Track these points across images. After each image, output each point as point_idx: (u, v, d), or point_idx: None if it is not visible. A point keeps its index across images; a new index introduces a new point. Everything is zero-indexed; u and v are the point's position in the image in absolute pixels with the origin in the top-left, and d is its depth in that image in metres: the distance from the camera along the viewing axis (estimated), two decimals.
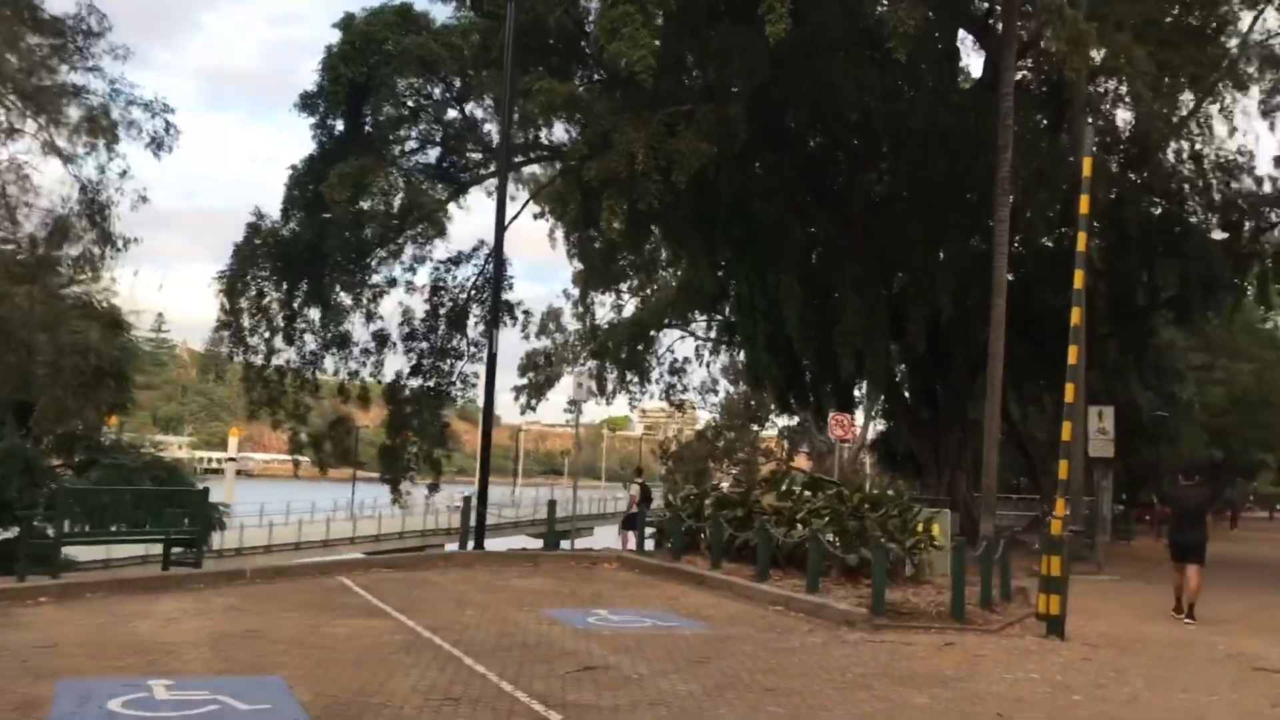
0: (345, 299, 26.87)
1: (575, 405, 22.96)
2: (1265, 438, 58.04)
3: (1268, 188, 30.44)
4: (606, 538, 33.55)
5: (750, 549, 15.72)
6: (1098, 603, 15.76)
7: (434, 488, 29.85)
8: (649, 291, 41.94)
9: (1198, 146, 30.49)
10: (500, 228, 19.13)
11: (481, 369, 23.14)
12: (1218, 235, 30.93)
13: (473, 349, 26.58)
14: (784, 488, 17.19)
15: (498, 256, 19.90)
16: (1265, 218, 30.90)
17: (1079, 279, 12.71)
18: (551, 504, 21.12)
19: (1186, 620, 14.34)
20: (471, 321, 27.14)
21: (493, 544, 29.26)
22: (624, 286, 41.32)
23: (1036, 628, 12.31)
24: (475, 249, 27.24)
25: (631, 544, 19.73)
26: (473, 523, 18.69)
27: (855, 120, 26.84)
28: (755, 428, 59.55)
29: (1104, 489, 26.71)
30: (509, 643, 10.10)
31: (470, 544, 18.70)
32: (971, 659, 10.44)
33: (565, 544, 20.98)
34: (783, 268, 27.73)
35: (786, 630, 11.65)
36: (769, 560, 14.90)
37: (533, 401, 46.44)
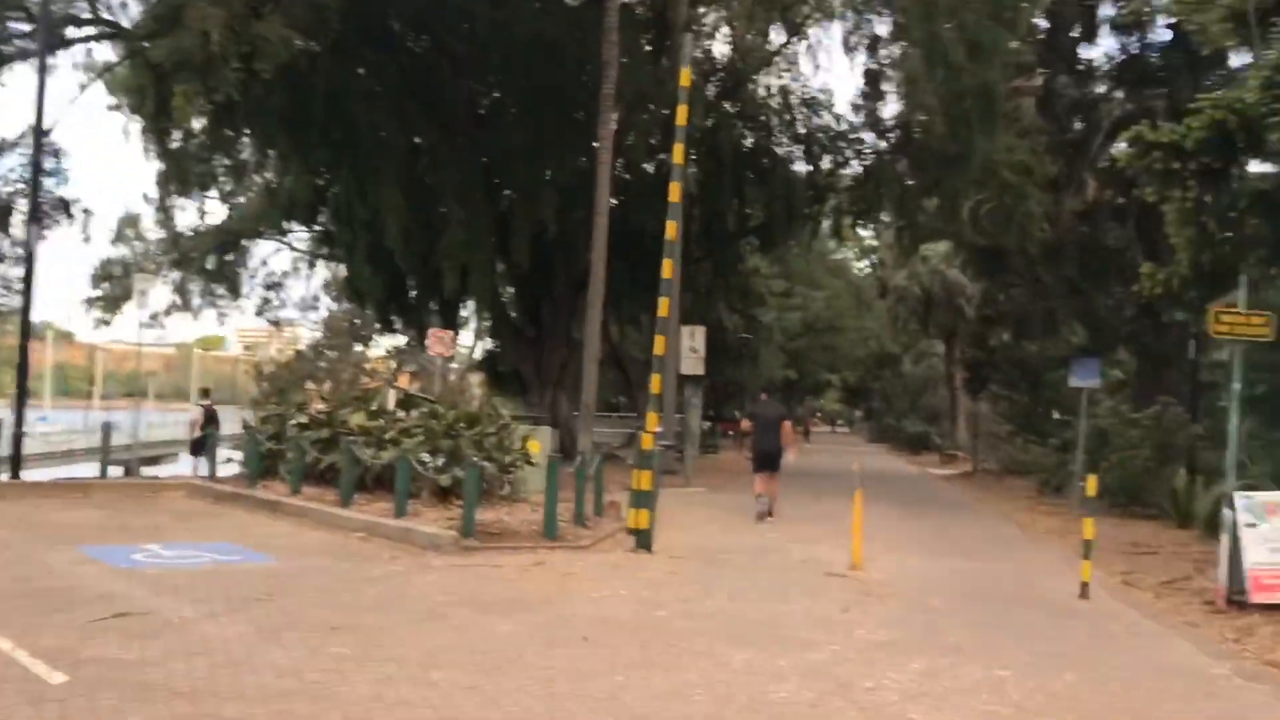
0: None
1: (153, 318, 20.41)
2: (832, 360, 63.84)
3: (845, 125, 32.67)
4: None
5: (337, 472, 14.57)
6: (686, 515, 16.12)
7: None
8: (244, 198, 38.72)
9: (785, 81, 32.13)
10: (40, 108, 16.39)
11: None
12: (800, 168, 32.90)
13: (17, 251, 23.03)
14: (374, 407, 16.11)
15: (37, 141, 17.07)
16: (841, 154, 33.16)
17: (675, 191, 12.55)
18: (106, 426, 18.70)
19: (768, 518, 15.80)
20: (17, 219, 23.47)
21: (57, 473, 26.00)
22: (215, 192, 37.84)
23: (627, 542, 12.21)
24: (22, 136, 23.48)
25: (205, 470, 17.91)
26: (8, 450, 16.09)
27: (462, 26, 25.74)
28: (360, 347, 57.46)
29: (694, 405, 27.78)
30: (26, 589, 8.45)
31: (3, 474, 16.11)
32: (561, 579, 10.05)
33: (151, 471, 18.70)
34: (385, 176, 26.30)
35: (367, 559, 10.73)
36: (354, 484, 13.84)
37: (108, 316, 41.92)
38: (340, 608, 8.23)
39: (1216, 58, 19.85)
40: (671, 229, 12.49)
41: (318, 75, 23.46)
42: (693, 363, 25.28)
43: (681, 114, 12.81)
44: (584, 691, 6.17)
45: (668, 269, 12.51)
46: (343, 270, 36.96)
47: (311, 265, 41.11)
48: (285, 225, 37.29)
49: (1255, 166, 12.41)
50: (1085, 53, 28.87)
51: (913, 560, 12.74)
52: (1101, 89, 28.64)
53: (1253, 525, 10.26)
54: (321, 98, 24.43)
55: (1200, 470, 19.66)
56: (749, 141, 32.18)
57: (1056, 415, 31.05)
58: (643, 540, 11.84)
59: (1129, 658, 7.93)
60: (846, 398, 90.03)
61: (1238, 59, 19.79)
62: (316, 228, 36.20)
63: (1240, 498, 10.49)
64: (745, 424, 18.45)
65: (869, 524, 12.42)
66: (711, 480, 23.84)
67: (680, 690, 6.30)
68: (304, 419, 16.31)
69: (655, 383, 12.51)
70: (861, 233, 51.02)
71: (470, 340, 46.44)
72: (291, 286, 40.75)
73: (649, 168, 30.42)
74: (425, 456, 14.01)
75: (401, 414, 15.84)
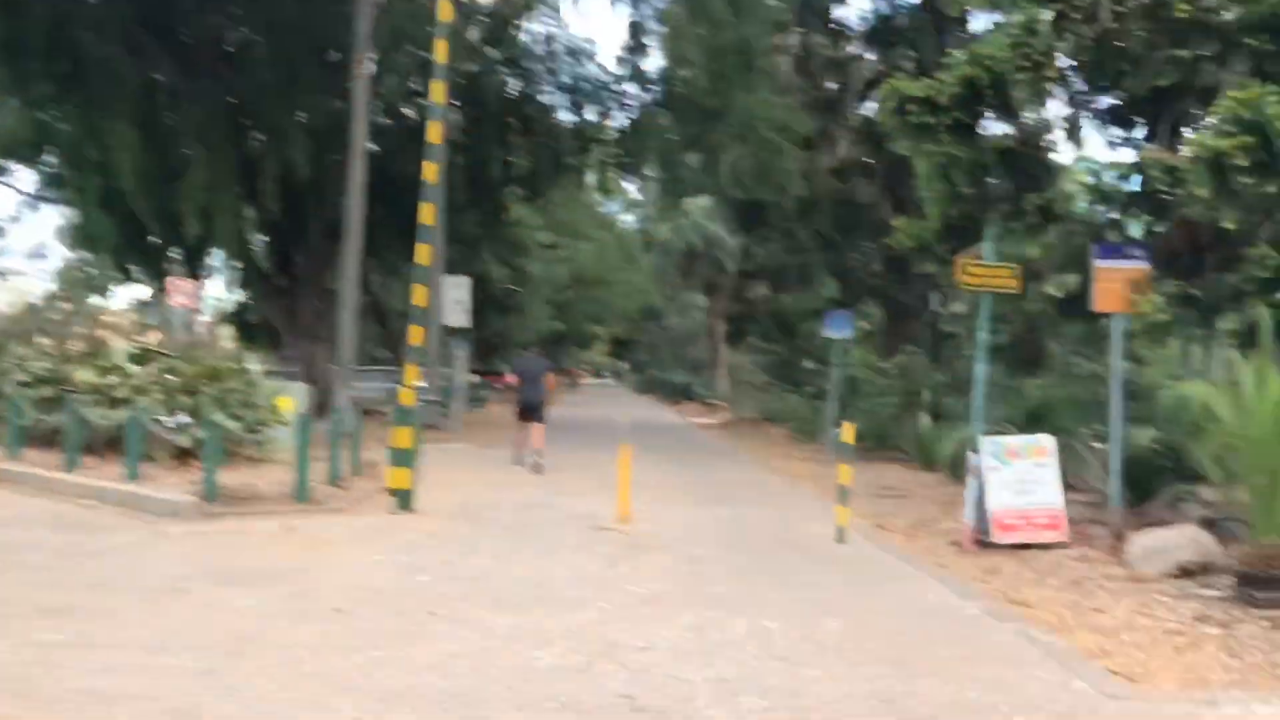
0: None
1: None
2: (599, 312, 64.24)
3: (610, 77, 32.46)
4: None
5: (63, 434, 13.27)
6: (451, 472, 15.62)
7: None
8: None
9: (550, 28, 31.62)
10: None
11: None
12: (566, 117, 32.54)
13: None
14: (105, 362, 14.74)
15: None
16: (606, 105, 32.96)
17: (434, 131, 11.94)
18: None
19: (532, 471, 16.12)
20: None
21: None
22: None
23: (387, 504, 11.63)
24: None
25: None
26: None
27: None
28: (99, 299, 53.38)
29: (459, 358, 27.19)
30: None
31: None
32: (314, 545, 9.43)
33: None
34: (118, 114, 24.16)
35: (94, 529, 9.74)
36: (81, 446, 12.64)
37: None
38: (56, 587, 7.36)
39: (960, 20, 20.72)
40: (431, 171, 11.89)
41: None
42: (457, 314, 24.68)
43: (441, 50, 12.18)
44: (334, 669, 5.69)
45: (427, 214, 11.91)
46: (74, 215, 34.07)
47: (38, 209, 37.81)
48: (6, 165, 34.02)
49: (997, 126, 12.93)
50: (839, 13, 29.76)
51: (679, 510, 12.76)
52: (854, 49, 29.58)
53: (996, 469, 10.74)
54: (43, 25, 22.20)
55: (942, 416, 20.75)
56: (513, 89, 31.52)
57: (811, 365, 32.20)
58: (403, 500, 11.32)
59: (888, 601, 8.10)
60: (614, 350, 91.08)
61: (977, 23, 20.78)
62: (43, 168, 33.16)
63: (986, 442, 10.97)
64: (510, 378, 18.73)
65: (636, 475, 12.32)
66: (478, 435, 23.37)
67: (441, 662, 5.91)
68: (25, 376, 14.79)
69: (415, 334, 11.93)
70: (627, 186, 51.31)
71: (221, 291, 44.01)
72: (16, 233, 37.43)
73: (410, 112, 29.33)
74: (163, 415, 12.96)
75: (136, 369, 14.56)
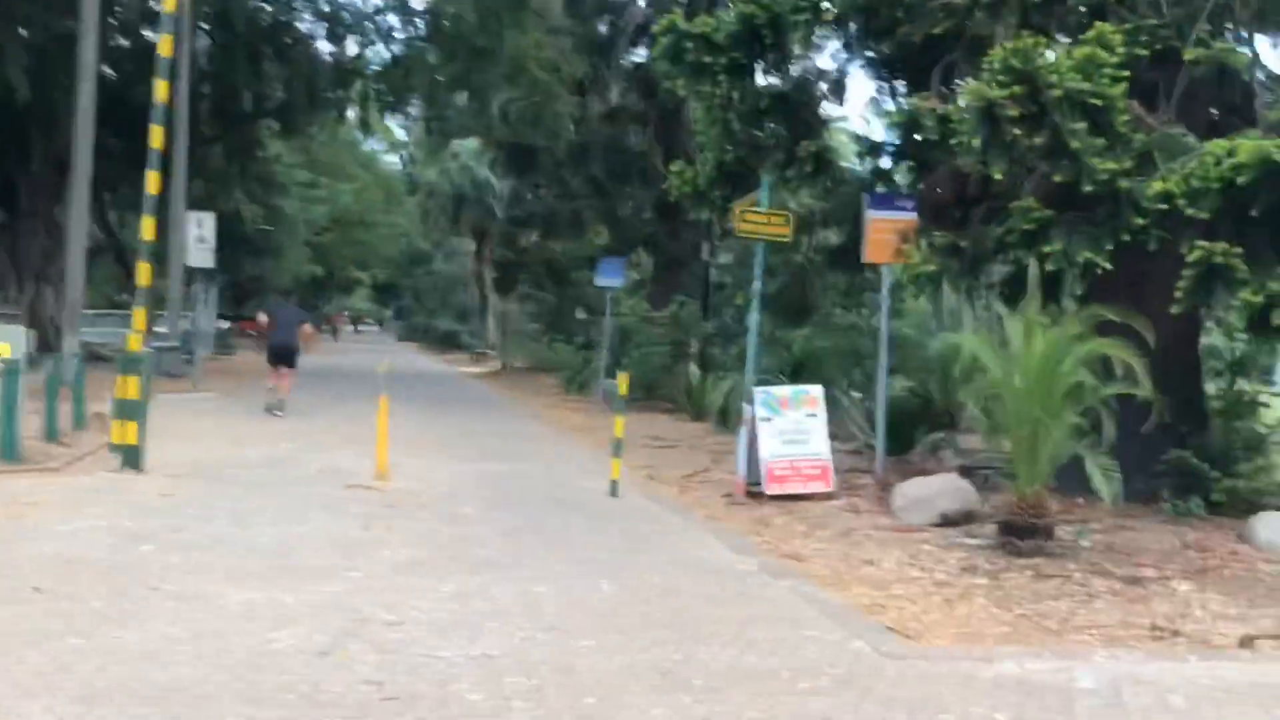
0: None
1: None
2: (361, 256, 61.92)
3: (372, 7, 30.87)
4: None
5: None
6: (191, 425, 14.40)
7: None
8: None
9: None
10: None
11: None
12: (325, 47, 30.78)
13: None
14: None
15: None
16: (369, 37, 31.33)
17: (166, 45, 10.65)
18: None
19: (278, 412, 16.29)
20: None
21: None
22: None
23: (112, 462, 10.43)
24: None
25: None
26: None
27: None
28: None
29: (205, 302, 25.36)
30: None
31: None
32: (19, 510, 8.26)
33: None
34: None
35: None
36: None
37: None
38: None
39: None
40: (162, 89, 10.56)
41: None
42: (200, 253, 22.85)
43: None
44: (25, 664, 4.78)
45: (156, 137, 10.58)
46: None
47: None
48: None
49: (770, 74, 12.71)
50: None
51: (443, 466, 12.08)
52: None
53: (768, 419, 10.61)
54: None
55: (711, 366, 20.83)
56: (267, 13, 29.46)
57: (582, 314, 31.93)
58: (130, 458, 10.15)
59: (662, 558, 7.74)
60: (377, 296, 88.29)
61: None
62: None
63: (758, 392, 10.82)
64: (262, 319, 17.76)
65: (397, 427, 11.58)
66: (225, 385, 21.82)
67: (159, 649, 5.08)
68: None
69: (144, 272, 10.66)
70: (392, 125, 49.36)
71: None
72: None
73: (152, 35, 26.93)
74: None
75: None
